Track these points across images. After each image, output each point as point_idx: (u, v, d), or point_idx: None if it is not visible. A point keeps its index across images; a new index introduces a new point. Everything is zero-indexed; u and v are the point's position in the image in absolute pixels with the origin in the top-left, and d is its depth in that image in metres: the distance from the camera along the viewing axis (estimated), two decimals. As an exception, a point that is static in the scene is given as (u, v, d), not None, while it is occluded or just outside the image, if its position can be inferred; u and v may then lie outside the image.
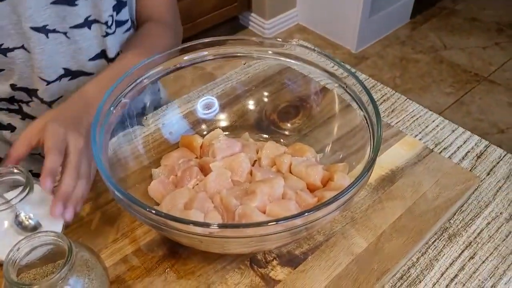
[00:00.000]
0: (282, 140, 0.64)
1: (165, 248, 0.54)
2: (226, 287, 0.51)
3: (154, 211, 0.42)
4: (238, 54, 0.63)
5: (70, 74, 0.72)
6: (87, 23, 0.68)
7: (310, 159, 0.57)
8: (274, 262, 0.53)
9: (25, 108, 0.75)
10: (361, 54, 2.27)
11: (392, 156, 0.64)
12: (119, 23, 0.73)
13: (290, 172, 0.56)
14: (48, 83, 0.70)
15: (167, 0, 0.78)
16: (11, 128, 0.78)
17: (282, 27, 2.35)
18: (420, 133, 0.71)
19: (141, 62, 0.57)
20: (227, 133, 0.64)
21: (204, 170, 0.56)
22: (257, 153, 0.60)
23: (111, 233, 0.56)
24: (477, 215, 0.60)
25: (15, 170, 0.51)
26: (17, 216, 0.51)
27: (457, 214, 0.60)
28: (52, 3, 0.64)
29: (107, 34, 0.70)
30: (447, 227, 0.59)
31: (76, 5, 0.65)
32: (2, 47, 0.65)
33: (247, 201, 0.49)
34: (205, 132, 0.64)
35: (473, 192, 0.63)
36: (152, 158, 0.60)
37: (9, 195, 0.51)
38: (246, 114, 0.68)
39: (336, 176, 0.53)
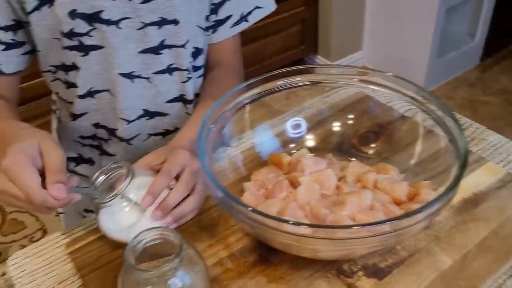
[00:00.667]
0: (363, 162, 0.68)
1: (256, 254, 0.58)
2: (314, 293, 0.54)
3: (256, 211, 0.47)
4: (323, 81, 0.68)
5: (148, 114, 0.79)
6: (169, 70, 0.76)
7: (394, 177, 0.60)
8: (360, 273, 0.55)
9: (104, 145, 0.83)
10: (429, 95, 2.26)
11: (475, 181, 0.66)
12: (196, 68, 0.80)
13: (375, 188, 0.59)
14: (128, 122, 0.78)
15: (234, 47, 0.85)
16: (90, 162, 0.87)
17: (348, 69, 2.41)
18: (502, 161, 0.71)
19: (238, 86, 0.63)
20: (312, 154, 0.68)
21: (293, 184, 0.60)
22: (342, 171, 0.63)
23: (207, 238, 0.61)
24: None
25: (116, 165, 0.57)
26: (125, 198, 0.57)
27: (544, 239, 0.60)
28: (140, 52, 0.72)
29: (188, 79, 0.78)
30: (534, 251, 0.59)
31: (161, 54, 0.73)
32: (92, 90, 0.75)
33: (337, 210, 0.53)
34: (293, 151, 0.69)
35: (561, 219, 0.62)
36: (243, 174, 0.66)
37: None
38: (329, 137, 0.72)
39: (422, 191, 0.55)
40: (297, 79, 0.65)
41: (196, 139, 0.57)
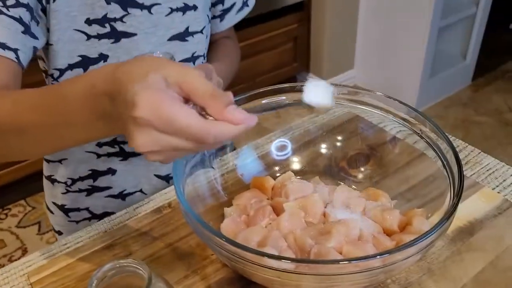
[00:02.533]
0: (353, 186, 0.64)
1: (236, 287, 0.54)
2: (297, 331, 0.49)
3: (234, 243, 0.43)
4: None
5: None
6: (193, 58, 0.75)
7: (385, 204, 0.56)
8: (347, 309, 0.51)
9: (127, 148, 0.77)
10: (421, 114, 2.24)
11: (470, 208, 0.62)
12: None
13: (364, 215, 0.55)
14: None
15: (229, 31, 0.88)
16: (111, 172, 0.79)
17: (340, 87, 2.39)
18: (497, 186, 0.68)
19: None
20: (297, 177, 0.64)
21: (277, 211, 0.56)
22: (329, 196, 0.59)
23: (182, 269, 0.56)
24: None
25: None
26: None
27: (545, 272, 0.56)
28: (168, 39, 0.71)
29: None
30: (534, 286, 0.54)
31: (186, 40, 0.73)
32: None
33: (323, 240, 0.48)
34: (277, 174, 0.65)
35: (562, 250, 0.58)
36: (224, 198, 0.62)
37: None
38: (316, 160, 0.68)
39: (415, 221, 0.51)
40: (283, 97, 0.61)
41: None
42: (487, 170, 0.71)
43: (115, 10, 0.66)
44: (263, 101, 0.61)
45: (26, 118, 0.45)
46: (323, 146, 0.68)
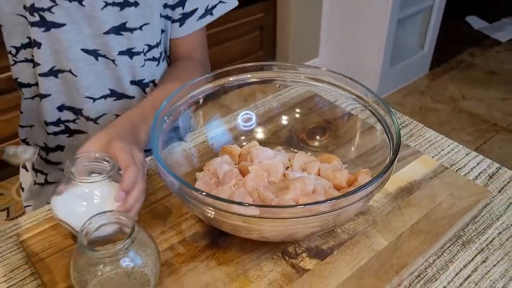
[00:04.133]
0: (310, 154, 0.72)
1: (207, 239, 0.61)
2: (261, 273, 0.57)
3: (205, 193, 0.50)
4: (275, 79, 0.72)
5: (115, 95, 0.81)
6: (130, 54, 0.77)
7: (336, 166, 0.65)
8: (304, 254, 0.59)
9: (72, 126, 0.83)
10: (382, 102, 2.36)
11: (410, 172, 0.71)
12: (152, 59, 0.82)
13: (319, 175, 0.64)
14: (94, 100, 0.79)
15: (201, 41, 0.88)
16: (60, 148, 0.86)
17: (306, 76, 2.49)
18: (436, 155, 0.78)
19: (192, 81, 0.67)
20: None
21: (243, 173, 0.64)
22: (289, 161, 0.68)
23: (160, 226, 0.63)
24: (489, 226, 0.66)
25: (106, 158, 0.57)
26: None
27: (470, 224, 0.66)
28: (104, 33, 0.73)
29: (143, 65, 0.80)
30: (461, 235, 0.64)
31: (121, 35, 0.75)
32: (54, 69, 0.75)
33: (282, 194, 0.56)
34: (243, 144, 0.72)
35: (485, 206, 0.69)
36: (197, 165, 0.69)
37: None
38: (278, 132, 0.76)
39: (360, 177, 0.60)
40: (248, 75, 0.69)
41: (150, 130, 0.59)
42: (428, 142, 0.81)
43: (42, 0, 0.68)
44: (230, 79, 0.68)
45: None
46: (285, 119, 0.76)
